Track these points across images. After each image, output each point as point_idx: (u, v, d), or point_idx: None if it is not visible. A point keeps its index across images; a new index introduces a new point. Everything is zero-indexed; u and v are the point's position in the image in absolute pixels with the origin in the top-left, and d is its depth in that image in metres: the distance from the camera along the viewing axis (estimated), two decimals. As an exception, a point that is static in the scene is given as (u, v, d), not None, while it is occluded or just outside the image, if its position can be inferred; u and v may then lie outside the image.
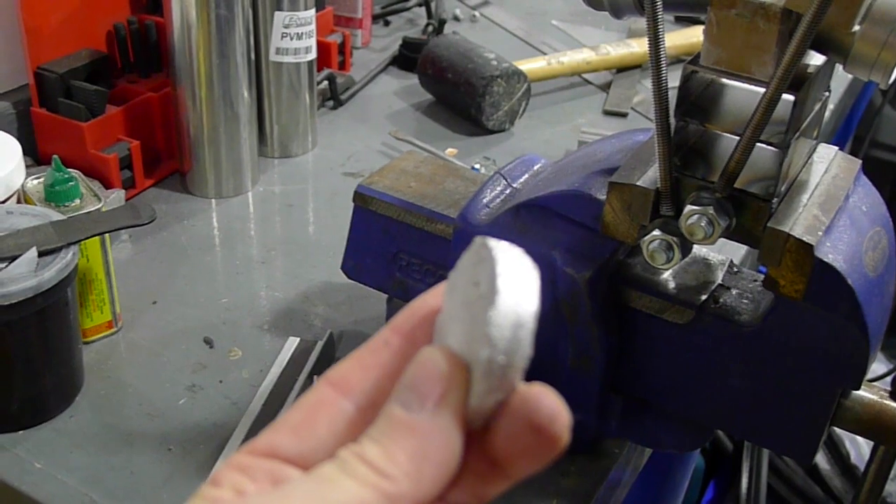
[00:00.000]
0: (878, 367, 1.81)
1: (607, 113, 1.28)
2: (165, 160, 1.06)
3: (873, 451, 0.65)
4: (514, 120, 1.21)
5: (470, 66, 1.18)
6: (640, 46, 1.38)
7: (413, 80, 1.30)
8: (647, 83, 1.33)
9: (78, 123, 0.94)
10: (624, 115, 1.27)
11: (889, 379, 0.63)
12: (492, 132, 1.19)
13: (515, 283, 0.31)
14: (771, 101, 0.51)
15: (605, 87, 1.35)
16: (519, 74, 1.18)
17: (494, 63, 1.17)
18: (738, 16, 0.53)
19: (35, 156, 0.99)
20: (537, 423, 0.31)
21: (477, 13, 1.61)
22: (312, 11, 1.08)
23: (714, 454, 1.66)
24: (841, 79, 1.29)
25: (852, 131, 2.16)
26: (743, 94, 0.54)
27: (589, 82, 1.37)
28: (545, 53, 1.39)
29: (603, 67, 1.35)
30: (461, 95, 1.19)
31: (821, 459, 1.71)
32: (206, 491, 0.31)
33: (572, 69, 1.33)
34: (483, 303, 0.31)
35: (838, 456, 1.68)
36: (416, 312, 0.35)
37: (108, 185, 0.95)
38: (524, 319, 0.31)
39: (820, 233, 0.55)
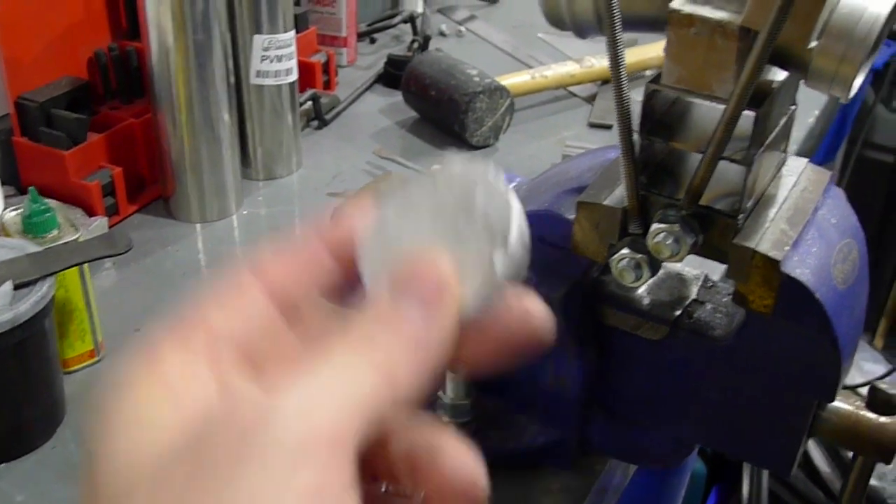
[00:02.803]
0: (877, 368, 1.81)
1: (592, 125, 1.28)
2: (149, 186, 1.06)
3: (852, 461, 0.65)
4: (498, 135, 1.21)
5: (452, 83, 1.18)
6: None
7: (398, 97, 1.30)
8: (631, 94, 1.32)
9: (59, 152, 0.95)
10: (609, 128, 1.26)
11: (867, 389, 0.63)
12: (476, 148, 1.20)
13: (516, 206, 0.32)
14: (731, 119, 0.51)
15: (591, 100, 1.35)
16: (501, 90, 1.18)
17: (477, 79, 1.18)
18: (696, 34, 0.53)
19: (18, 186, 0.99)
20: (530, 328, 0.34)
21: (463, 28, 1.61)
22: (292, 33, 1.08)
23: (716, 459, 1.66)
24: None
25: (846, 133, 2.16)
26: (705, 111, 0.54)
27: (574, 95, 1.37)
28: (531, 67, 1.39)
29: (588, 80, 1.35)
30: (444, 112, 1.19)
31: (822, 463, 1.70)
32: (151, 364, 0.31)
33: (557, 82, 1.33)
34: (487, 228, 0.32)
35: (839, 459, 1.68)
36: (342, 227, 0.35)
37: (91, 213, 0.95)
38: (527, 239, 0.33)
39: (787, 247, 0.55)
